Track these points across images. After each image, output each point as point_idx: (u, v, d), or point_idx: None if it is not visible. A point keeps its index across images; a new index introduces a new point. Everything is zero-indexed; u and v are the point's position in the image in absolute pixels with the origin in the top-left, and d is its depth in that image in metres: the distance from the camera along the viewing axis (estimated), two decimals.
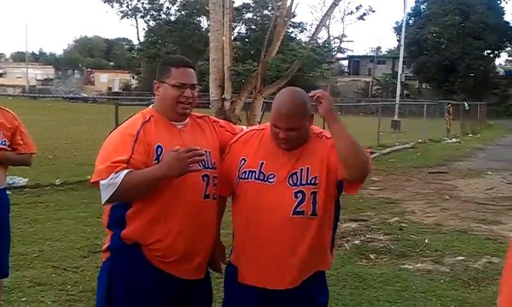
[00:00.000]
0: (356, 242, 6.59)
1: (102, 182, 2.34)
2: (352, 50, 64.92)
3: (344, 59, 68.45)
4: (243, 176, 2.60)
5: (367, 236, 6.85)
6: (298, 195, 2.50)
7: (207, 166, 2.58)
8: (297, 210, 2.50)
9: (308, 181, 2.51)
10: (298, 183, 2.51)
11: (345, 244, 6.38)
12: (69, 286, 4.85)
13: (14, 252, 5.50)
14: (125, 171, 2.34)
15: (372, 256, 6.06)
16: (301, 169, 2.53)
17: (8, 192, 8.36)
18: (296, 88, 2.63)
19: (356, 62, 68.91)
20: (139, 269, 2.48)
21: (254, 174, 2.57)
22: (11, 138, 3.80)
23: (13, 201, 7.87)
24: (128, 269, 2.49)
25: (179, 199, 2.48)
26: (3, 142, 3.72)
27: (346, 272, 5.39)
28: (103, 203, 2.41)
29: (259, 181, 2.55)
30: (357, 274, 5.37)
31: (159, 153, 2.44)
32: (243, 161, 2.62)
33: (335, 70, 61.82)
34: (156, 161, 2.42)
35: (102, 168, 2.36)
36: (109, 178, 2.32)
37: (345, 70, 72.32)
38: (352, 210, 8.02)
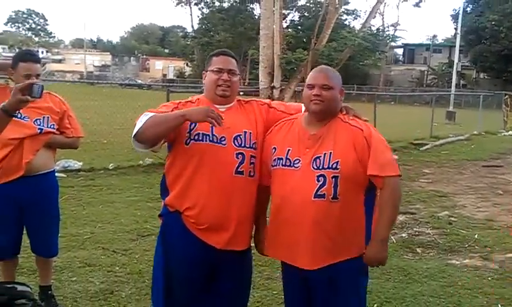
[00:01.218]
0: (403, 235, 6.51)
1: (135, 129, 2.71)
2: (405, 39, 63.33)
3: (398, 47, 67.16)
4: (274, 164, 2.80)
5: (415, 229, 6.76)
6: (320, 178, 2.63)
7: (243, 145, 2.80)
8: (318, 193, 2.62)
9: (330, 166, 2.63)
10: (321, 167, 2.64)
11: (392, 237, 6.30)
12: (117, 268, 5.01)
13: (67, 234, 5.75)
14: (151, 114, 2.72)
15: (418, 250, 5.97)
16: (324, 154, 2.66)
17: (63, 175, 8.82)
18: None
19: (411, 50, 67.37)
20: (178, 233, 2.81)
21: (281, 160, 2.76)
22: (59, 122, 3.93)
23: (68, 184, 8.24)
24: (170, 233, 2.86)
25: (208, 170, 2.74)
26: (51, 126, 3.85)
27: (391, 265, 5.33)
28: (132, 136, 2.73)
29: (286, 167, 2.73)
30: (402, 268, 5.31)
31: (191, 128, 2.75)
32: (274, 149, 2.82)
33: (388, 59, 60.80)
34: (188, 134, 2.75)
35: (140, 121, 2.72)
36: (140, 118, 2.71)
37: (400, 59, 70.89)
38: (401, 203, 7.89)
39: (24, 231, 4.00)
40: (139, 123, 2.69)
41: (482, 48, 50.96)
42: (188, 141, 2.75)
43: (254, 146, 2.84)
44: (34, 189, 3.82)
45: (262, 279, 4.86)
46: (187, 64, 67.11)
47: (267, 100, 3.15)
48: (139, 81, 53.16)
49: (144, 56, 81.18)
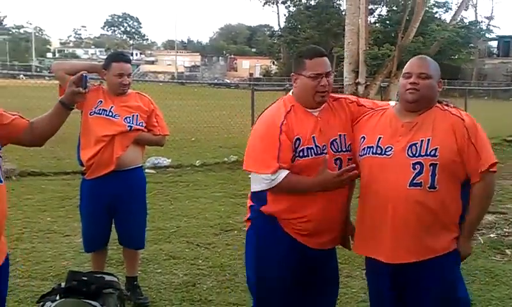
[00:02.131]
0: (492, 235, 6.24)
1: (257, 174, 2.71)
2: (499, 28, 60.14)
3: (492, 39, 63.91)
4: (362, 153, 2.71)
5: (505, 230, 6.46)
6: (416, 166, 2.52)
7: (340, 150, 2.76)
8: (415, 181, 2.51)
9: (428, 153, 2.51)
10: (417, 154, 2.53)
11: (479, 237, 6.06)
12: (200, 261, 5.17)
13: (154, 227, 6.00)
14: (284, 174, 2.64)
15: (508, 251, 5.69)
16: (422, 140, 2.54)
17: (153, 171, 9.22)
18: None
19: (506, 42, 63.81)
20: (274, 236, 2.77)
21: (372, 149, 2.66)
22: (147, 120, 4.14)
23: (157, 180, 8.60)
24: (265, 236, 2.82)
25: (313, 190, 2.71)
26: (140, 124, 4.06)
27: (477, 266, 5.13)
28: (252, 190, 2.79)
29: (376, 155, 2.63)
30: (489, 270, 5.09)
31: (296, 146, 2.68)
32: (363, 139, 2.73)
33: (482, 52, 58.00)
34: (294, 153, 2.67)
35: (256, 161, 2.73)
36: (263, 176, 2.66)
37: (494, 51, 67.47)
38: (491, 202, 7.55)
39: (113, 224, 4.24)
40: (264, 184, 2.67)
41: None
42: (294, 159, 2.69)
43: (349, 148, 2.79)
44: (123, 183, 4.04)
45: (341, 277, 4.83)
46: (273, 63, 67.48)
47: (355, 98, 3.04)
48: (227, 80, 54.13)
49: (232, 56, 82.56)
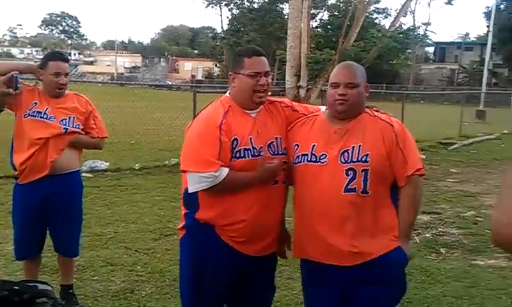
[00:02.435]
0: (427, 235, 6.41)
1: (196, 174, 2.62)
2: (435, 33, 62.33)
3: (429, 45, 66.19)
4: (296, 161, 2.71)
5: (439, 229, 6.65)
6: (349, 172, 2.55)
7: (277, 153, 2.74)
8: (349, 187, 2.55)
9: (359, 159, 2.55)
10: (349, 161, 2.56)
11: (415, 237, 6.21)
12: (139, 267, 5.06)
13: (90, 233, 5.84)
14: (226, 171, 2.59)
15: (442, 250, 5.88)
16: (353, 147, 2.58)
17: (90, 175, 8.96)
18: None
19: (442, 48, 66.29)
20: (212, 246, 2.71)
21: (306, 156, 2.67)
22: (85, 122, 4.00)
23: (94, 184, 8.36)
24: (202, 246, 2.75)
25: (249, 188, 2.67)
26: (77, 126, 3.92)
27: (413, 265, 5.25)
28: (189, 191, 2.66)
29: (311, 163, 2.64)
30: (425, 268, 5.23)
31: (234, 147, 2.64)
32: (296, 146, 2.73)
33: (419, 57, 59.93)
34: (231, 153, 2.63)
35: (197, 160, 2.64)
36: (206, 172, 2.57)
37: (431, 57, 69.87)
38: (426, 202, 7.77)
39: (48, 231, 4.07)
40: (205, 183, 2.60)
41: None
42: (230, 159, 2.65)
43: (285, 151, 2.78)
44: (58, 188, 3.88)
45: (282, 279, 4.85)
46: (215, 65, 67.41)
47: (290, 102, 3.03)
48: (169, 82, 53.54)
49: (174, 57, 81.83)
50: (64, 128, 3.85)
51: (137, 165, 10.21)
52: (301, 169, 2.69)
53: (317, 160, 2.62)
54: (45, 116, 3.83)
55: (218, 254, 2.72)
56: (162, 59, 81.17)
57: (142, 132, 14.18)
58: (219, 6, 63.81)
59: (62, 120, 3.86)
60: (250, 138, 2.67)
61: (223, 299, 2.89)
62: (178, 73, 75.36)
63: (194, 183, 2.64)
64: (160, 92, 31.11)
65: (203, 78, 63.95)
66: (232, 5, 61.74)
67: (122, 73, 69.85)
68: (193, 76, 69.36)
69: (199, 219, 2.72)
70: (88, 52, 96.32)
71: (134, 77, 64.09)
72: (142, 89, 30.41)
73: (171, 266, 5.09)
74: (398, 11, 13.37)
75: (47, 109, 3.83)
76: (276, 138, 2.77)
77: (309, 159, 2.65)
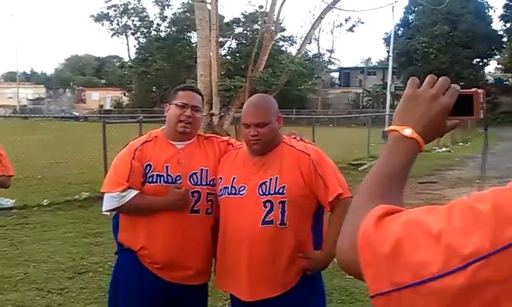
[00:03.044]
0: None
1: (107, 194, 2.71)
2: (339, 61, 65.04)
3: (334, 71, 68.83)
4: (220, 194, 2.75)
5: None
6: (267, 204, 2.58)
7: (199, 183, 2.78)
8: (266, 219, 2.57)
9: (276, 191, 2.58)
10: (267, 193, 2.59)
11: (334, 258, 6.32)
12: None
13: None
14: (133, 193, 2.67)
15: None
16: (270, 179, 2.61)
17: None
18: (262, 93, 2.94)
19: (346, 74, 69.11)
20: (134, 270, 2.76)
21: (227, 189, 2.70)
22: None
23: (0, 223, 7.86)
24: (126, 270, 2.81)
25: (162, 213, 2.72)
26: None
27: (333, 285, 5.34)
28: (103, 211, 2.79)
29: (231, 195, 2.67)
30: (344, 288, 5.33)
31: (146, 172, 2.74)
32: (220, 179, 2.77)
33: (325, 82, 62.10)
34: (144, 178, 2.72)
35: (109, 181, 2.74)
36: (114, 193, 2.67)
37: (336, 82, 72.55)
38: None
39: None
40: (114, 202, 2.69)
41: (414, 69, 52.74)
42: (143, 183, 2.73)
43: (211, 183, 2.80)
44: None
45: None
46: (124, 94, 66.27)
47: (227, 138, 3.14)
48: (75, 113, 52.00)
49: (80, 87, 79.55)
50: None
51: (45, 201, 9.74)
52: (223, 201, 2.73)
53: (237, 192, 2.65)
54: None
55: (139, 278, 2.74)
56: (67, 89, 78.60)
57: (49, 167, 13.59)
58: (126, 35, 63.08)
59: None
60: (166, 166, 2.74)
61: None
62: (85, 103, 73.27)
63: (106, 202, 2.73)
64: (67, 124, 30.20)
65: (112, 108, 62.59)
66: (138, 33, 61.22)
67: (25, 106, 67.00)
68: (101, 106, 67.74)
69: (120, 241, 2.82)
70: None
71: (38, 109, 61.64)
72: (47, 121, 29.39)
73: (87, 305, 4.88)
74: (303, 38, 13.72)
75: None
76: (202, 169, 2.80)
77: (229, 192, 2.68)
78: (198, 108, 2.85)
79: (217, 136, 3.10)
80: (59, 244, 7.03)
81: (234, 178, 2.68)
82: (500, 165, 16.40)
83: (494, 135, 33.78)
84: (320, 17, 12.52)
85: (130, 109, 55.70)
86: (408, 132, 1.02)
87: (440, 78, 1.04)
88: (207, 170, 2.80)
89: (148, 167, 2.73)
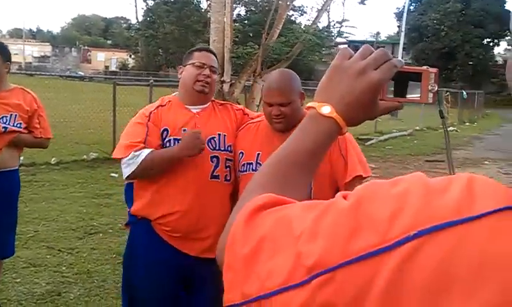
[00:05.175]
0: None
1: (122, 160, 2.60)
2: (354, 34, 64.22)
3: (343, 43, 68.18)
4: (242, 169, 2.67)
5: None
6: None
7: (218, 148, 2.71)
8: None
9: None
10: None
11: None
12: (64, 268, 4.80)
13: None
14: (147, 151, 2.57)
15: None
16: None
17: None
18: (284, 69, 2.72)
19: (355, 47, 67.95)
20: (150, 241, 2.69)
21: (251, 165, 2.62)
22: (28, 120, 3.77)
23: None
24: (141, 241, 2.74)
25: (182, 177, 2.64)
26: (18, 125, 3.68)
27: None
28: (124, 178, 2.67)
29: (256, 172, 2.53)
30: None
31: (164, 137, 2.65)
32: (241, 154, 2.69)
33: (333, 55, 61.64)
34: (162, 143, 2.64)
35: (122, 146, 2.64)
36: (129, 156, 2.57)
37: None
38: None
39: None
40: (132, 165, 2.58)
41: (424, 45, 52.44)
42: (160, 148, 2.64)
43: (229, 148, 2.73)
44: None
45: None
46: (130, 56, 65.81)
47: (242, 106, 3.05)
48: (81, 73, 51.67)
49: (86, 47, 79.05)
50: (3, 127, 3.60)
51: (53, 159, 9.72)
52: (245, 178, 2.62)
53: None
54: None
55: (155, 250, 2.67)
56: (73, 48, 78.13)
57: (57, 125, 13.45)
58: None
59: (2, 117, 3.61)
60: (183, 129, 2.66)
61: (168, 303, 2.75)
62: (90, 63, 72.87)
63: (124, 169, 2.63)
64: (73, 83, 30.06)
65: (117, 70, 62.28)
66: None
67: (30, 63, 66.68)
68: (107, 67, 67.44)
69: (135, 213, 2.72)
70: None
71: (43, 67, 61.27)
72: (53, 79, 29.21)
73: (98, 266, 4.88)
74: (320, 8, 13.48)
75: None
76: (219, 134, 2.73)
77: (254, 168, 2.60)
78: (215, 69, 2.79)
79: (232, 103, 3.03)
80: (68, 204, 7.02)
81: (259, 154, 2.60)
82: (508, 147, 16.36)
83: (500, 117, 33.64)
84: None
85: (135, 71, 55.48)
86: (326, 110, 0.84)
87: (377, 50, 0.85)
88: (224, 135, 2.73)
89: (165, 132, 2.66)
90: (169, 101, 2.78)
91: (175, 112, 2.72)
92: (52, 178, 8.54)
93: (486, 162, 13.14)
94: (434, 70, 0.92)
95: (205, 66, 2.71)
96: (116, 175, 8.67)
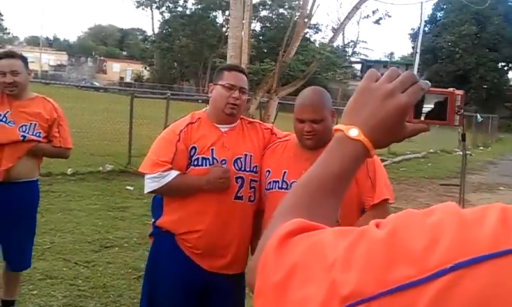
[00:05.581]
0: None
1: (147, 175, 2.66)
2: (366, 55, 64.18)
3: (357, 62, 68.21)
4: (268, 187, 2.68)
5: None
6: None
7: (243, 169, 2.73)
8: None
9: None
10: None
11: None
12: (80, 281, 4.79)
13: None
14: (174, 174, 2.63)
15: None
16: None
17: None
18: (316, 87, 2.75)
19: (369, 66, 68.42)
20: (172, 255, 2.74)
21: (277, 183, 2.63)
22: (48, 129, 3.77)
23: None
24: (163, 253, 2.78)
25: (208, 197, 2.67)
26: (37, 134, 3.68)
27: None
28: (145, 191, 2.74)
29: (282, 190, 2.59)
30: None
31: (192, 154, 2.69)
32: (268, 173, 2.70)
33: (347, 74, 61.65)
34: (189, 161, 2.68)
35: (149, 161, 2.69)
36: (155, 173, 2.63)
37: (358, 74, 71.94)
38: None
39: None
40: (156, 183, 2.65)
41: (438, 67, 52.40)
42: (188, 166, 2.69)
43: (255, 169, 2.75)
44: (12, 198, 3.63)
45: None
46: (145, 68, 66.29)
47: (270, 125, 3.05)
48: (96, 83, 52.06)
49: (102, 58, 79.77)
50: (22, 136, 3.61)
51: (69, 170, 9.75)
52: (272, 195, 2.65)
53: (288, 187, 2.57)
54: (4, 119, 3.57)
55: (175, 262, 2.72)
56: (89, 58, 78.89)
57: (73, 135, 13.40)
58: (150, 8, 62.79)
59: (22, 126, 3.61)
60: (212, 149, 2.69)
61: None
62: (105, 74, 73.54)
63: (147, 184, 2.69)
64: (88, 93, 30.24)
65: (132, 81, 62.70)
66: (163, 8, 60.93)
67: (46, 71, 67.34)
68: (122, 78, 67.93)
69: (160, 225, 2.77)
70: (10, 47, 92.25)
71: (59, 76, 61.83)
72: (68, 89, 29.45)
73: (114, 281, 4.87)
74: (337, 27, 13.55)
75: (7, 112, 3.58)
76: (246, 155, 2.75)
77: (280, 186, 2.61)
78: (245, 90, 2.79)
79: (260, 122, 3.04)
80: (84, 215, 7.03)
81: (285, 173, 2.61)
82: None
83: None
84: (356, 8, 12.35)
85: (150, 83, 55.79)
86: (353, 132, 0.84)
87: (404, 73, 0.86)
88: (251, 156, 2.75)
89: (193, 150, 2.69)
90: (199, 118, 2.79)
91: (204, 131, 2.75)
92: (69, 189, 8.57)
93: (501, 188, 13.04)
94: (461, 92, 0.92)
95: (235, 89, 2.72)
96: (132, 188, 8.69)
